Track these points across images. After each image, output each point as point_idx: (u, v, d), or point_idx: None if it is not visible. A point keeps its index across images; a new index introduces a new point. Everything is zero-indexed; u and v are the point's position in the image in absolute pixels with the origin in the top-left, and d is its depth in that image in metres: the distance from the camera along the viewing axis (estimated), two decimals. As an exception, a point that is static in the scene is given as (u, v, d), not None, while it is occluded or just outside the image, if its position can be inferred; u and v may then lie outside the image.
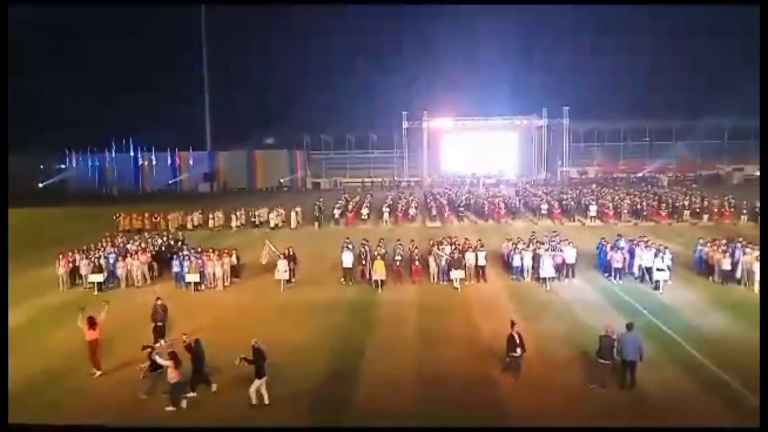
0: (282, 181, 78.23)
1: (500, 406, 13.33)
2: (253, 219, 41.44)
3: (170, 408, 13.42)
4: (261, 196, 63.97)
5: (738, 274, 22.65)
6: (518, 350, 14.39)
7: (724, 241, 24.72)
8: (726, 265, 22.79)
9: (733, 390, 13.77)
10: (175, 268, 24.79)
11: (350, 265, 24.69)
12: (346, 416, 13.11)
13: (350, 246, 25.73)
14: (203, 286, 24.26)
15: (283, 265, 23.92)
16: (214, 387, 14.50)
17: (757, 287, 21.33)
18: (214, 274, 24.46)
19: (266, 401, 13.45)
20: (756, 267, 21.48)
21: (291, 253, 25.28)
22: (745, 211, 38.45)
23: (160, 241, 29.81)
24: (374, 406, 13.53)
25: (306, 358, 16.36)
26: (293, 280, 24.68)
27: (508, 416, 12.82)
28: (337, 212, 42.52)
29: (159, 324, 17.33)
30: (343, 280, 24.64)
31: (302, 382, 14.79)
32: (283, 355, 16.53)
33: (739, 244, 23.60)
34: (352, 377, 15.11)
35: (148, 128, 71.71)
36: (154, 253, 26.91)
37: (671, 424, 9.02)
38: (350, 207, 45.29)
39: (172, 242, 30.33)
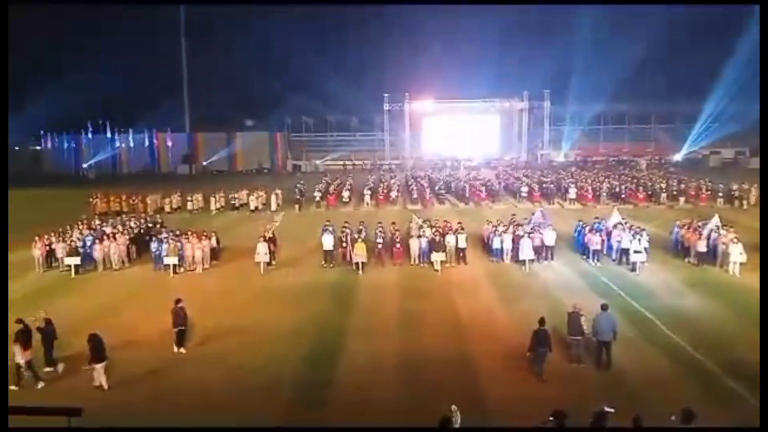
0: (262, 163, 77.53)
1: (481, 389, 13.34)
2: (232, 201, 41.12)
3: (13, 387, 13.40)
4: (241, 178, 63.38)
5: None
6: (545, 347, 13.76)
7: (699, 224, 25.12)
8: (701, 246, 23.15)
9: (707, 369, 14.04)
10: (154, 251, 24.55)
11: (331, 248, 24.60)
12: (328, 402, 13.00)
13: (331, 229, 25.61)
14: (182, 269, 24.06)
15: (263, 247, 23.77)
16: (60, 369, 14.38)
17: (731, 268, 21.74)
18: (193, 256, 24.26)
19: (105, 387, 13.42)
20: (731, 249, 21.83)
21: (271, 235, 25.12)
22: (721, 194, 39.13)
23: (138, 223, 29.46)
24: (356, 392, 13.43)
25: (287, 342, 16.29)
26: (273, 262, 24.57)
27: (488, 399, 12.83)
28: (317, 195, 42.38)
29: (181, 328, 15.91)
30: (323, 262, 24.57)
31: (283, 366, 14.70)
32: (262, 339, 16.56)
33: (715, 226, 23.97)
34: (334, 362, 15.01)
35: (126, 109, 70.38)
36: (132, 235, 26.59)
37: (668, 424, 9.14)
38: (331, 190, 45.14)
39: (150, 225, 30.03)
